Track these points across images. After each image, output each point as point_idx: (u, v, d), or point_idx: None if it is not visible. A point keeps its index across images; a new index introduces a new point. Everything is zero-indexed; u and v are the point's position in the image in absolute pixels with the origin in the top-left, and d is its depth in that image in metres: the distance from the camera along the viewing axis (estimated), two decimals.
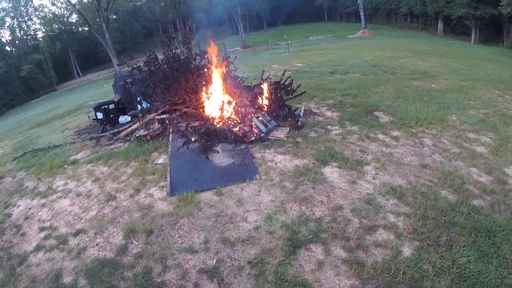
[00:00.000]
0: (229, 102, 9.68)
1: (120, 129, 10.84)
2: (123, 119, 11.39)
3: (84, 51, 66.09)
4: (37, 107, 32.26)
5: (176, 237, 6.45)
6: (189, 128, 9.21)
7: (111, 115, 11.45)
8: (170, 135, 9.61)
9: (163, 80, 9.98)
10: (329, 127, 9.65)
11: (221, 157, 8.56)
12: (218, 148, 8.85)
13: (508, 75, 16.83)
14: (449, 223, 5.87)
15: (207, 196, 7.30)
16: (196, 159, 8.54)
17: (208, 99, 9.88)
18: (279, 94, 10.11)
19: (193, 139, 9.15)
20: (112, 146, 10.22)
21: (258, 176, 7.68)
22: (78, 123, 13.78)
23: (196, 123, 9.54)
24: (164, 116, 10.14)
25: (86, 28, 64.37)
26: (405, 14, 55.12)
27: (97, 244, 6.60)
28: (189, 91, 10.06)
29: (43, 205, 8.06)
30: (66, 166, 9.62)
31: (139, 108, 11.13)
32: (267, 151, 8.69)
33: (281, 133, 9.39)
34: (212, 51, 9.99)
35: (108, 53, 47.04)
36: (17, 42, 59.86)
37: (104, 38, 43.59)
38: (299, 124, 9.76)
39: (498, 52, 30.86)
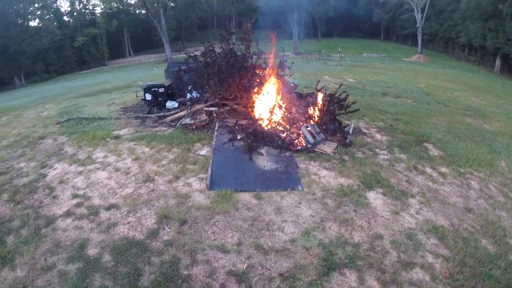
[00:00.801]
0: (280, 107, 9.27)
1: (166, 113, 10.56)
2: (170, 104, 11.15)
3: (138, 33, 66.67)
4: (86, 78, 32.43)
5: (209, 232, 6.08)
6: (236, 126, 8.86)
7: (159, 99, 11.23)
8: (216, 128, 9.28)
9: (217, 73, 9.66)
10: (377, 150, 9.10)
11: (264, 161, 8.15)
12: (263, 151, 8.44)
13: None
14: (486, 275, 5.42)
15: (246, 197, 6.90)
16: (240, 158, 8.15)
17: (260, 99, 9.51)
18: (331, 107, 9.64)
19: (239, 137, 8.79)
20: (156, 129, 9.93)
21: (300, 187, 7.23)
22: (125, 100, 13.65)
23: (244, 122, 9.17)
24: (212, 108, 9.81)
25: (144, 11, 65.13)
26: (463, 45, 51.71)
27: (128, 223, 6.28)
28: (241, 89, 9.71)
29: (79, 173, 7.82)
30: (108, 139, 9.39)
31: (188, 97, 10.87)
32: (312, 164, 8.22)
33: (328, 148, 8.91)
34: (272, 53, 9.65)
35: (161, 38, 47.13)
36: (75, 14, 61.29)
37: (159, 23, 43.69)
38: (347, 141, 9.26)
39: None
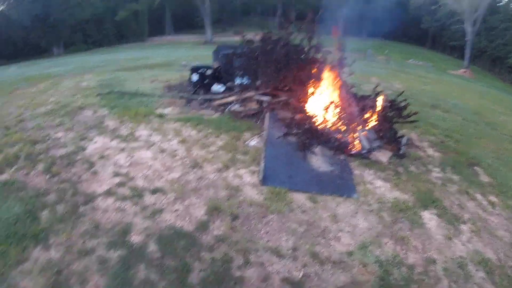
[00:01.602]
0: (337, 106, 8.42)
1: (213, 96, 9.75)
2: (217, 87, 10.32)
3: (179, 12, 64.44)
4: (125, 52, 31.15)
5: (262, 232, 5.39)
6: (292, 120, 8.06)
7: (206, 80, 10.45)
8: (267, 119, 8.47)
9: (275, 62, 8.83)
10: (430, 166, 8.17)
11: (319, 161, 7.32)
12: (317, 151, 7.61)
13: None
14: None
15: (300, 198, 6.15)
16: (293, 155, 7.33)
17: (316, 95, 8.68)
18: (389, 114, 8.76)
19: (289, 131, 8.01)
20: (203, 112, 9.11)
21: (355, 195, 6.46)
22: (168, 78, 12.78)
23: (298, 117, 8.37)
24: (265, 98, 8.99)
25: None
26: (510, 66, 49.30)
27: (175, 211, 5.54)
28: (297, 81, 8.86)
29: (122, 150, 7.06)
30: (152, 117, 8.58)
31: (237, 82, 10.09)
32: (367, 171, 7.38)
33: (383, 156, 8.03)
34: (336, 48, 8.80)
35: (202, 20, 46.28)
36: None
37: (203, 5, 42.56)
38: (401, 152, 8.37)
39: None
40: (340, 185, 6.74)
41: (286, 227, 5.51)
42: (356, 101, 8.89)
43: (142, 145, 7.27)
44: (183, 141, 7.45)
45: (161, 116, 8.61)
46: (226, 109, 8.95)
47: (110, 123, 8.24)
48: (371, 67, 27.56)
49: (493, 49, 48.82)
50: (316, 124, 8.09)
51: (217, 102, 9.21)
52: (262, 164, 6.71)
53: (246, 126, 8.33)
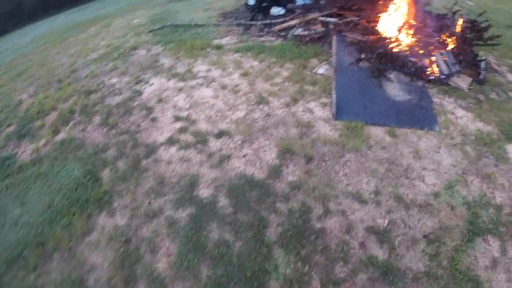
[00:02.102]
0: (411, 26, 6.71)
1: (273, 21, 8.15)
2: (276, 10, 8.67)
3: None
4: None
5: (340, 174, 4.39)
6: (363, 43, 6.53)
7: (264, 4, 8.78)
8: (334, 43, 6.96)
9: None
10: (511, 94, 6.50)
11: (395, 89, 5.91)
12: (392, 77, 6.16)
13: None
14: None
15: (378, 133, 4.98)
16: (367, 83, 5.92)
17: (388, 14, 6.95)
18: (469, 36, 6.91)
19: (361, 56, 6.56)
20: (263, 39, 7.65)
21: (437, 128, 5.21)
22: (223, 4, 11.02)
23: (370, 39, 6.80)
24: (331, 19, 7.32)
25: None
26: None
27: (244, 156, 4.60)
28: None
29: (180, 90, 5.99)
30: (209, 49, 7.31)
31: (299, 3, 8.40)
32: (447, 99, 5.91)
33: (462, 82, 6.44)
34: None
35: None
36: None
37: None
38: (481, 78, 6.70)
39: None
40: (420, 116, 5.43)
41: (366, 167, 4.47)
42: (432, 21, 7.07)
43: (201, 82, 6.14)
44: (245, 74, 6.21)
45: (218, 47, 7.30)
46: (289, 34, 7.43)
47: (166, 61, 7.08)
48: None
49: None
50: (390, 47, 6.49)
51: (278, 27, 7.68)
52: (334, 95, 5.45)
53: (312, 51, 6.82)
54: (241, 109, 5.37)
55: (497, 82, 6.80)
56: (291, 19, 7.73)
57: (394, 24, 6.78)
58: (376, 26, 6.93)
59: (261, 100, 5.49)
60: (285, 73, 6.18)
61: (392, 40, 6.50)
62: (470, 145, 4.99)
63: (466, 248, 3.75)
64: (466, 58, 6.81)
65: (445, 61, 6.44)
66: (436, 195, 4.18)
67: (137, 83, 6.45)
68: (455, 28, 6.88)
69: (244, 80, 6.03)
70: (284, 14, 8.48)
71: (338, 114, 5.15)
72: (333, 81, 5.78)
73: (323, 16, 7.35)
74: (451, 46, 6.78)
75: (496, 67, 7.60)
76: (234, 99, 5.59)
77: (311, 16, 7.38)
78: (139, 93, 6.13)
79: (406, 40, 6.58)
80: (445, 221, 3.98)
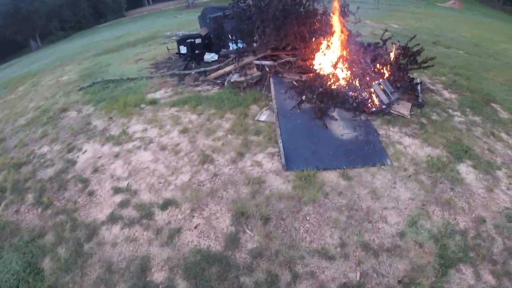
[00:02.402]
0: (345, 60, 6.80)
1: (207, 68, 7.90)
2: (209, 56, 8.49)
3: None
4: (105, 32, 27.04)
5: (302, 231, 4.08)
6: (302, 84, 6.44)
7: (196, 51, 8.57)
8: (272, 86, 6.84)
9: (273, 19, 6.94)
10: (450, 111, 6.82)
11: (340, 127, 5.80)
12: (335, 115, 6.08)
13: None
14: None
15: (332, 178, 4.75)
16: (311, 125, 5.76)
17: (322, 51, 7.00)
18: (403, 62, 7.15)
19: (303, 98, 6.45)
20: (199, 88, 7.34)
21: (389, 162, 5.13)
22: (154, 54, 10.69)
23: (307, 78, 6.76)
24: (267, 62, 7.23)
25: None
26: None
27: (195, 227, 4.11)
28: (299, 38, 7.08)
29: (116, 156, 5.43)
30: (144, 105, 6.84)
31: (232, 48, 8.28)
32: (392, 129, 5.95)
33: (403, 109, 6.57)
34: None
35: None
36: None
37: None
38: (420, 101, 6.91)
39: None
40: (370, 152, 5.33)
41: (326, 219, 4.19)
42: (365, 52, 7.25)
43: (138, 145, 5.61)
44: (184, 131, 5.78)
45: (153, 102, 6.85)
46: (226, 82, 7.21)
47: (98, 122, 6.49)
48: (361, 9, 24.65)
49: None
50: (329, 84, 6.47)
51: (213, 74, 7.44)
52: (280, 144, 5.19)
53: (251, 98, 6.61)
54: (184, 171, 4.89)
55: (435, 101, 7.09)
56: (226, 65, 7.55)
57: (329, 60, 6.82)
58: (311, 64, 6.94)
59: (205, 159, 5.07)
60: (226, 125, 5.87)
61: (330, 77, 6.48)
62: (424, 173, 4.97)
63: (441, 284, 3.63)
64: (403, 84, 7.01)
65: (384, 91, 6.55)
66: (401, 234, 4.05)
67: (69, 151, 5.79)
68: (389, 56, 7.07)
69: (184, 138, 5.60)
70: (218, 60, 8.30)
71: (288, 165, 4.87)
72: (277, 128, 5.56)
73: (257, 59, 7.22)
74: (387, 75, 6.93)
75: (431, 86, 8.02)
76: (176, 161, 5.10)
77: (246, 60, 7.24)
78: (73, 162, 5.48)
79: (342, 74, 6.60)
80: (416, 260, 3.81)
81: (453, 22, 18.66)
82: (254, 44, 7.28)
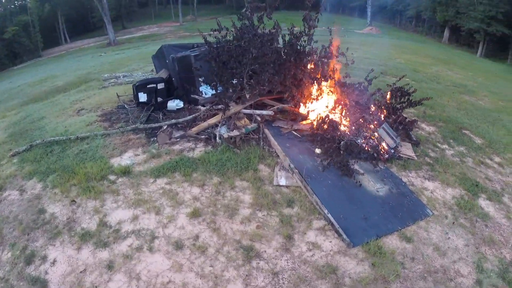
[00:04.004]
0: (345, 105, 6.39)
1: (180, 120, 6.52)
2: (173, 104, 7.13)
3: (73, 16, 51.17)
4: (23, 74, 21.93)
5: None
6: (295, 132, 5.84)
7: (159, 99, 7.16)
8: (272, 139, 6.00)
9: (273, 62, 6.10)
10: (439, 145, 7.08)
11: (370, 182, 5.31)
12: (358, 167, 5.54)
13: None
14: None
15: (394, 243, 4.34)
16: (342, 184, 5.13)
17: (319, 96, 6.46)
18: (399, 104, 7.06)
19: (318, 151, 5.75)
20: (179, 147, 5.97)
21: (429, 212, 4.98)
22: (96, 102, 8.61)
23: (305, 126, 6.16)
24: (264, 112, 6.32)
25: None
26: (411, 17, 48.69)
27: None
28: (295, 82, 6.37)
29: (109, 267, 3.79)
30: (113, 177, 5.21)
31: (205, 94, 7.06)
32: (410, 174, 5.80)
33: (408, 151, 6.47)
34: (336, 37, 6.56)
35: (99, 20, 38.65)
36: (3, 1, 45.74)
37: (100, 2, 33.59)
38: (414, 139, 6.89)
39: (505, 69, 27.31)
40: (410, 205, 5.03)
41: None
42: (359, 94, 6.99)
43: (137, 244, 4.06)
44: (195, 214, 4.45)
45: (126, 172, 5.27)
46: (217, 137, 6.02)
47: (56, 209, 4.66)
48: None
49: (392, 5, 49.40)
50: (339, 133, 5.93)
51: (195, 129, 6.13)
52: (329, 216, 4.40)
53: (254, 156, 5.64)
54: (231, 278, 3.65)
55: (423, 137, 7.29)
56: (206, 116, 6.40)
57: (327, 106, 6.35)
58: (312, 111, 6.36)
59: (248, 253, 3.92)
60: (245, 197, 4.79)
61: (339, 125, 5.95)
62: (460, 216, 5.04)
63: None
64: (400, 125, 6.86)
65: (388, 134, 6.27)
66: (479, 283, 4.03)
67: (28, 262, 3.92)
68: (385, 99, 6.90)
69: (200, 225, 4.31)
70: (183, 107, 7.11)
71: (353, 240, 4.13)
72: (311, 195, 4.76)
73: (246, 108, 6.32)
74: (385, 118, 6.75)
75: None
76: (209, 264, 3.80)
77: (234, 109, 6.24)
78: (42, 283, 3.68)
79: (347, 122, 6.17)
80: None
81: (383, 49, 20.31)
82: (230, 91, 6.32)
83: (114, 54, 22.54)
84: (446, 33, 42.16)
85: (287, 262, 3.83)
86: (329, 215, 4.40)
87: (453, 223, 4.84)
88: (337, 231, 4.24)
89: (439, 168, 6.12)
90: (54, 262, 3.92)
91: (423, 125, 7.99)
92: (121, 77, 11.65)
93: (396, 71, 13.10)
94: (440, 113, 8.95)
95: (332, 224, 4.31)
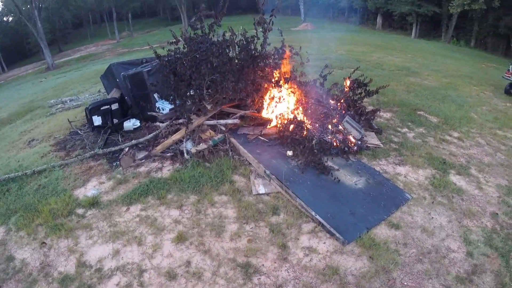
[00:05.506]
0: (305, 104, 6.50)
1: (140, 139, 6.16)
2: (130, 124, 6.77)
3: (8, 44, 48.54)
4: None
5: None
6: (262, 137, 5.97)
7: (115, 120, 6.76)
8: (240, 147, 5.93)
9: (232, 71, 6.04)
10: (399, 129, 7.46)
11: (346, 176, 5.45)
12: (331, 164, 5.64)
13: (467, 70, 16.02)
14: None
15: (384, 232, 4.51)
16: (321, 183, 5.20)
17: (279, 98, 6.50)
18: (357, 95, 7.31)
19: (289, 153, 5.77)
20: (145, 169, 5.68)
21: (408, 196, 5.23)
22: (47, 130, 7.96)
23: (271, 131, 6.25)
24: (229, 121, 6.20)
25: (11, 18, 50.16)
26: (343, 8, 49.83)
27: None
28: (254, 88, 6.33)
29: None
30: (82, 211, 4.83)
31: (163, 109, 6.77)
32: (381, 163, 6.06)
33: (373, 139, 6.76)
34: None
35: (35, 46, 37.83)
36: None
37: (35, 27, 31.79)
38: (376, 127, 7.19)
39: (441, 46, 28.97)
40: (390, 193, 5.24)
41: (417, 274, 3.92)
42: (317, 91, 7.14)
43: (125, 282, 3.78)
44: (181, 238, 4.26)
45: (94, 203, 4.92)
46: (186, 153, 5.82)
47: (26, 254, 4.21)
48: None
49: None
50: (305, 133, 6.01)
51: (160, 147, 5.86)
52: (318, 217, 4.45)
53: (226, 167, 5.56)
54: None
55: (384, 125, 7.60)
56: (168, 132, 6.17)
57: (288, 107, 6.44)
58: (275, 114, 6.40)
59: (246, 270, 3.83)
60: (229, 213, 4.69)
61: (304, 125, 6.03)
62: (437, 195, 5.32)
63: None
64: (362, 116, 7.10)
65: (353, 127, 6.49)
66: (470, 254, 4.29)
67: None
68: (343, 92, 7.08)
69: (189, 250, 4.13)
70: (140, 126, 6.82)
71: (346, 237, 4.20)
72: (295, 199, 4.80)
73: (208, 119, 6.19)
74: (346, 111, 6.94)
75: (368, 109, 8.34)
76: None
77: (196, 122, 6.07)
78: None
79: (310, 120, 6.27)
80: (494, 268, 4.08)
81: (322, 43, 20.89)
82: (187, 103, 6.19)
83: (55, 79, 21.29)
84: (379, 19, 44.48)
85: (288, 272, 3.81)
86: (318, 216, 4.45)
87: (432, 202, 5.14)
88: (329, 231, 4.30)
89: (406, 152, 6.44)
90: None
91: (380, 113, 8.34)
92: (68, 101, 11.01)
93: (340, 63, 13.61)
94: (392, 98, 9.41)
95: (323, 225, 4.36)
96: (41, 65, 36.89)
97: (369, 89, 7.24)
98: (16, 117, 11.07)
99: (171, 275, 3.80)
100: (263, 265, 3.89)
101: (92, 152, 6.10)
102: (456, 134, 7.52)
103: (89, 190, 5.28)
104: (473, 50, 30.05)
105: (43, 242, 4.38)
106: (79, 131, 7.13)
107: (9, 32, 50.39)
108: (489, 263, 4.17)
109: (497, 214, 5.06)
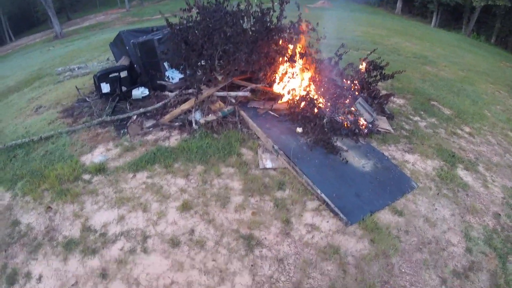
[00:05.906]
0: (319, 81, 6.40)
1: (148, 108, 6.18)
2: (138, 92, 6.76)
3: (16, 13, 47.87)
4: None
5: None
6: (272, 112, 5.91)
7: (124, 88, 6.73)
8: (250, 120, 5.91)
9: (246, 42, 5.91)
10: (411, 117, 7.35)
11: (355, 158, 5.45)
12: (340, 144, 5.62)
13: (485, 67, 15.57)
14: None
15: (387, 217, 4.54)
16: (329, 163, 5.21)
17: (292, 74, 6.40)
18: (372, 78, 7.17)
19: (299, 130, 5.75)
20: (152, 137, 5.71)
21: (414, 184, 5.20)
22: (54, 98, 7.94)
23: (282, 106, 6.20)
24: (240, 93, 6.19)
25: None
26: None
27: None
28: (267, 61, 6.25)
29: (103, 276, 3.63)
30: (88, 176, 4.91)
31: (172, 78, 6.74)
32: (390, 148, 6.02)
33: (385, 124, 6.68)
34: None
35: (43, 14, 36.47)
36: None
37: None
38: (388, 112, 7.09)
39: (461, 39, 27.92)
40: (396, 179, 5.23)
41: (415, 263, 4.00)
42: (331, 70, 7.02)
43: (129, 246, 3.89)
44: (186, 207, 4.33)
45: (101, 169, 4.99)
46: (194, 123, 5.84)
47: (31, 219, 4.33)
48: None
49: None
50: (317, 111, 5.95)
51: (168, 116, 5.89)
52: (323, 196, 4.47)
53: (234, 140, 5.58)
54: (237, 270, 3.62)
55: (396, 110, 7.49)
56: (177, 102, 6.16)
57: (301, 84, 6.34)
58: (287, 90, 6.32)
59: (249, 242, 3.90)
60: (235, 184, 4.74)
61: (317, 103, 5.96)
62: (443, 187, 5.28)
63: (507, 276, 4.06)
64: (375, 99, 7.00)
65: (365, 109, 6.41)
66: (469, 251, 4.32)
67: (11, 282, 3.65)
68: (358, 73, 6.97)
69: (194, 218, 4.21)
70: (149, 95, 6.80)
71: (350, 218, 4.21)
72: (301, 176, 4.82)
73: (218, 90, 6.16)
74: (360, 92, 6.84)
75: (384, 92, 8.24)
76: (211, 259, 3.74)
77: (206, 93, 6.05)
78: None
79: (323, 99, 6.18)
80: (490, 268, 4.12)
81: (340, 24, 20.38)
82: (198, 73, 6.14)
83: (64, 47, 21.17)
84: (399, 4, 42.70)
85: (290, 247, 3.87)
86: (323, 195, 4.47)
87: (438, 194, 5.12)
88: (333, 211, 4.33)
89: (416, 141, 6.38)
90: (40, 278, 3.68)
91: (394, 98, 8.22)
92: (76, 69, 10.95)
93: (356, 44, 13.36)
94: (407, 85, 9.27)
95: (328, 204, 4.39)
96: (50, 33, 36.41)
97: (384, 73, 7.09)
98: (24, 85, 11.12)
99: (175, 242, 3.88)
100: (265, 238, 3.95)
101: (100, 119, 6.13)
102: (467, 129, 7.41)
103: (96, 156, 5.34)
104: (493, 47, 29.23)
105: (49, 207, 4.46)
106: (87, 98, 7.15)
107: (16, 1, 50.02)
108: (486, 262, 4.21)
109: (500, 214, 5.05)
